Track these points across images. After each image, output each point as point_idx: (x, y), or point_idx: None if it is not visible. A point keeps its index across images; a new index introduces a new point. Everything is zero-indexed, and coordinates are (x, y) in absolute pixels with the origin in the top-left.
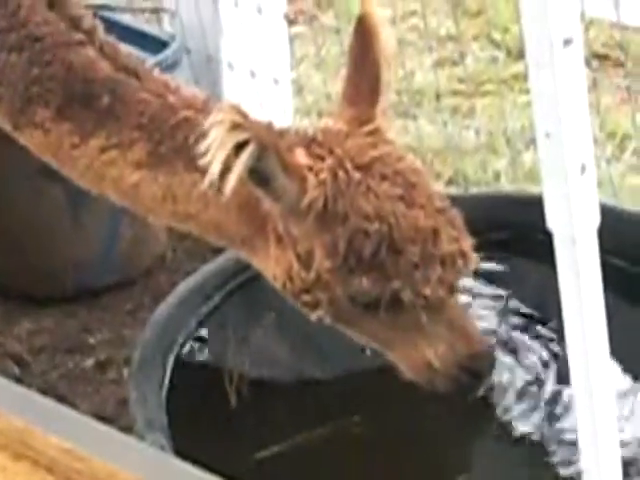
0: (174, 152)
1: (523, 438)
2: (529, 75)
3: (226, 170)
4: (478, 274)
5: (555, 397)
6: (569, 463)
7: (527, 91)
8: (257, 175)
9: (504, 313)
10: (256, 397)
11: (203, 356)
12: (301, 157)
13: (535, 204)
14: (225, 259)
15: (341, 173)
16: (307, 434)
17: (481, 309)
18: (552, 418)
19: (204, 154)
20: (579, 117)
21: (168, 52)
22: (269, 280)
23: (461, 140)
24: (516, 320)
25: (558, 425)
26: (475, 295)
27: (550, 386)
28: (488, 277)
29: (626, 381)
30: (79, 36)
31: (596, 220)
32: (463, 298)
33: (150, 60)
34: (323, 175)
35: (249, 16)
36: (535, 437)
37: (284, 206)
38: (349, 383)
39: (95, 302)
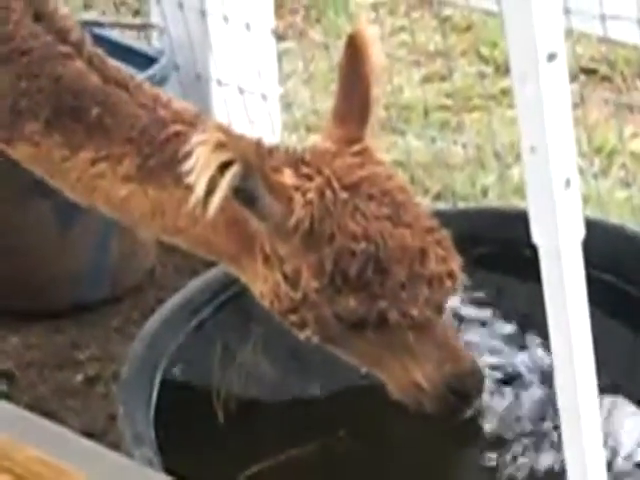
0: (163, 166)
1: (515, 458)
2: (514, 90)
3: (211, 190)
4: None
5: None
6: None
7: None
8: (243, 194)
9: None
10: (244, 413)
11: (191, 372)
12: (288, 177)
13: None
14: (212, 274)
15: (328, 193)
16: (295, 450)
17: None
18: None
19: (189, 173)
20: (564, 131)
21: (157, 68)
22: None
23: (449, 155)
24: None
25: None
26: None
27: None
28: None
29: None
30: (67, 48)
31: (581, 234)
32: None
33: (139, 76)
34: (310, 195)
35: (238, 32)
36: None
37: (270, 226)
38: (337, 399)
39: (84, 318)
